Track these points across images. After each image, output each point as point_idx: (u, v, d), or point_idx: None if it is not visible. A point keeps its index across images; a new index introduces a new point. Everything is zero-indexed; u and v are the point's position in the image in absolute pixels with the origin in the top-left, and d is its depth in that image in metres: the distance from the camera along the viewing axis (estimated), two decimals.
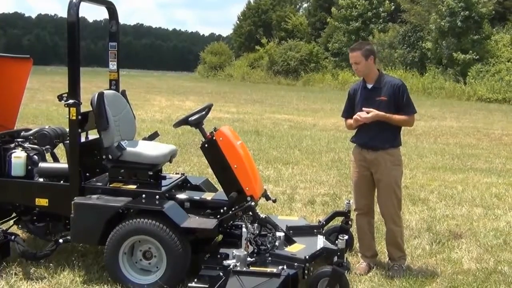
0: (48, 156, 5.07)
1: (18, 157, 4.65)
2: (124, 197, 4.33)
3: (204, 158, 4.82)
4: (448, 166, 10.12)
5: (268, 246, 4.30)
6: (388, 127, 4.66)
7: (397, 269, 4.72)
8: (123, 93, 5.09)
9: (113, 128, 4.53)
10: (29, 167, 4.67)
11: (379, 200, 4.82)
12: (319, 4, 46.48)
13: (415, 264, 5.02)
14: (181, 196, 4.68)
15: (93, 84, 20.57)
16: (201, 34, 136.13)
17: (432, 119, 18.51)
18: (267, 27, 50.29)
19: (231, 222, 4.53)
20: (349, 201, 5.13)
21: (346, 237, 4.19)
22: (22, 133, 5.00)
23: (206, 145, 4.50)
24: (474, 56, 29.98)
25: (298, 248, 4.40)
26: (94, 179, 4.66)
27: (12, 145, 4.83)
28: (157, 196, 4.36)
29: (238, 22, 56.14)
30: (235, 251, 4.12)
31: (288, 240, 4.52)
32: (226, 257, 4.20)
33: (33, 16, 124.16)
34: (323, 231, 4.94)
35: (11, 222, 4.97)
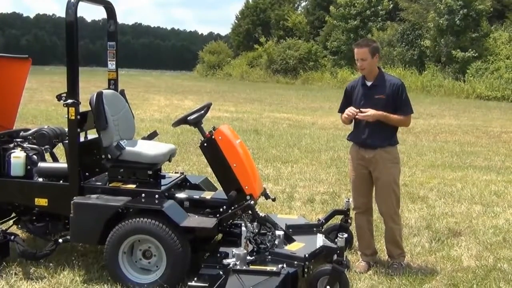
0: (47, 156, 5.07)
1: (17, 157, 4.65)
2: (124, 197, 4.33)
3: (203, 157, 4.83)
4: (447, 164, 10.13)
5: (268, 244, 4.31)
6: (384, 125, 4.67)
7: (396, 267, 4.73)
8: (122, 93, 5.09)
9: (112, 128, 4.53)
10: (29, 167, 4.67)
11: (377, 199, 4.82)
12: (317, 2, 46.46)
13: (414, 262, 5.02)
14: (181, 195, 4.69)
15: (91, 83, 20.57)
16: (200, 33, 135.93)
17: (431, 117, 18.52)
18: (266, 26, 50.24)
19: (231, 221, 4.54)
20: (349, 199, 5.13)
21: (345, 235, 4.20)
22: (21, 133, 5.00)
23: (205, 144, 4.51)
24: (473, 54, 29.99)
25: (298, 246, 4.41)
26: (93, 179, 4.66)
27: (11, 145, 4.83)
28: (157, 196, 4.37)
29: (236, 21, 56.07)
30: (235, 250, 4.12)
31: (288, 239, 4.53)
32: (226, 256, 4.21)
33: (31, 16, 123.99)
34: (323, 230, 4.95)
35: (11, 222, 4.97)
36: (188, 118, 4.53)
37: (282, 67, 41.27)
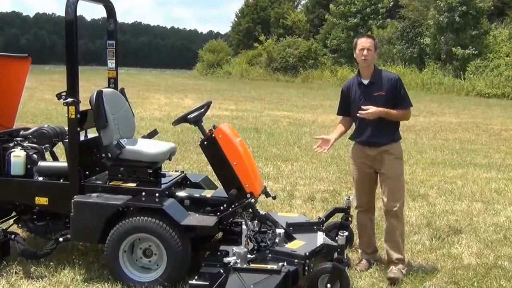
0: (47, 155, 5.07)
1: (17, 156, 4.64)
2: (124, 195, 4.33)
3: (203, 155, 4.82)
4: (447, 161, 10.13)
5: (268, 243, 4.31)
6: (387, 122, 4.65)
7: (393, 276, 4.48)
8: (122, 91, 5.09)
9: (112, 126, 4.53)
10: (29, 166, 4.67)
11: (384, 195, 4.68)
12: (317, 0, 46.44)
13: (415, 260, 5.02)
14: (181, 193, 4.69)
15: (91, 82, 20.59)
16: (199, 31, 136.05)
17: (431, 114, 18.51)
18: (265, 24, 50.24)
19: (231, 219, 4.54)
20: (349, 197, 5.13)
21: (346, 233, 4.19)
22: (21, 132, 4.99)
23: (205, 143, 4.50)
24: (473, 52, 29.95)
25: (298, 244, 4.40)
26: (93, 178, 4.65)
27: (11, 144, 4.82)
28: (157, 194, 4.37)
29: (236, 19, 56.12)
30: (235, 248, 4.11)
31: (288, 237, 4.52)
32: (226, 254, 4.20)
33: (31, 15, 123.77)
34: (323, 228, 4.95)
35: (11, 221, 4.96)
36: (188, 116, 4.53)
37: (282, 65, 41.27)
